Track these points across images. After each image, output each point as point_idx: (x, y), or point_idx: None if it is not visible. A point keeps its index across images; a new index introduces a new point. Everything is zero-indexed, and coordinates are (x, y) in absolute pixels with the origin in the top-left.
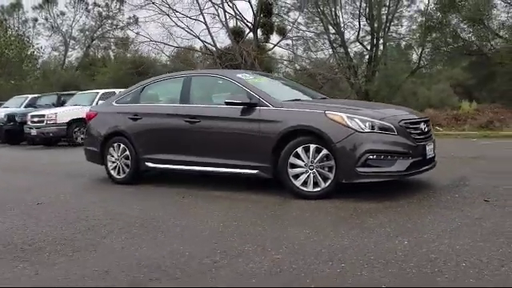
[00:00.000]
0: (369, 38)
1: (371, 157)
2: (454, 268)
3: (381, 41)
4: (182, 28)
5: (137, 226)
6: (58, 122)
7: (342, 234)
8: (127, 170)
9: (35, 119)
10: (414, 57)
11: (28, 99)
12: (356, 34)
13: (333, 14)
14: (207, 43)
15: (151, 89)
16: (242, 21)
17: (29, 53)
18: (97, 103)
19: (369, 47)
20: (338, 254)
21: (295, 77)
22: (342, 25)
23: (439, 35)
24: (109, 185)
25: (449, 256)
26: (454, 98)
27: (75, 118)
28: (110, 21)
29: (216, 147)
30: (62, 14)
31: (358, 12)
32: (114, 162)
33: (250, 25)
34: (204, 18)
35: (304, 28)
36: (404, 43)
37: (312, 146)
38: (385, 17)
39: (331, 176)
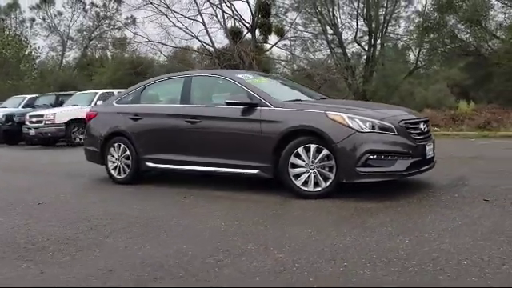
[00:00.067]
0: (366, 38)
1: (372, 157)
2: (455, 266)
3: (378, 41)
4: (180, 28)
5: (139, 226)
6: (56, 122)
7: (344, 233)
8: (128, 170)
9: (34, 119)
10: (412, 57)
11: (26, 99)
12: (354, 34)
13: (330, 14)
14: (205, 43)
15: (152, 89)
16: (241, 21)
17: (26, 53)
18: (95, 103)
19: (366, 48)
20: (340, 253)
21: (293, 77)
22: (340, 25)
23: (437, 36)
24: (109, 185)
25: (450, 255)
26: (451, 99)
27: (74, 118)
28: (107, 21)
29: (217, 147)
30: (60, 13)
31: (355, 12)
32: (114, 162)
33: (248, 25)
34: (202, 19)
35: (302, 28)
36: (401, 44)
37: (313, 146)
38: (382, 17)
39: (332, 176)
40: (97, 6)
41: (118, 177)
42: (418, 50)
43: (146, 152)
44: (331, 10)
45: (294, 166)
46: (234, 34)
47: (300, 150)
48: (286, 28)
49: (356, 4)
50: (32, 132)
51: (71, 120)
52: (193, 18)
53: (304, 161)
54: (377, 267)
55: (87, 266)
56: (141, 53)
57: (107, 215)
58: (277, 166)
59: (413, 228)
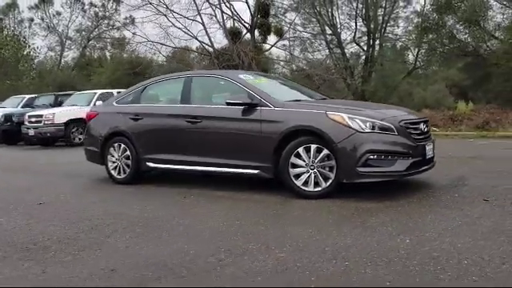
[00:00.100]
0: (365, 38)
1: (372, 157)
2: (456, 266)
3: (377, 41)
4: (179, 28)
5: (140, 226)
6: (55, 122)
7: (345, 232)
8: (128, 170)
9: (33, 119)
10: (410, 57)
11: (25, 99)
12: (352, 34)
13: (329, 14)
14: (204, 44)
15: (152, 89)
16: (240, 21)
17: (25, 53)
18: (94, 103)
19: (365, 48)
20: (341, 253)
21: (292, 77)
22: (339, 25)
23: (435, 36)
24: (109, 185)
25: (451, 254)
26: (449, 99)
27: (73, 118)
28: (106, 21)
29: (217, 147)
30: (58, 14)
31: (354, 13)
32: (114, 162)
33: (247, 25)
34: (201, 19)
35: (301, 29)
36: (400, 44)
37: (313, 146)
38: (381, 18)
39: (332, 176)
40: (95, 6)
41: (118, 177)
42: (416, 50)
43: (146, 152)
44: (330, 10)
45: (295, 165)
46: (233, 34)
47: (300, 150)
48: (285, 28)
49: (355, 4)
50: (31, 132)
51: (70, 120)
52: (192, 18)
53: (304, 161)
54: (378, 266)
55: (89, 266)
56: (140, 53)
57: (108, 215)
58: (277, 165)
59: (413, 228)
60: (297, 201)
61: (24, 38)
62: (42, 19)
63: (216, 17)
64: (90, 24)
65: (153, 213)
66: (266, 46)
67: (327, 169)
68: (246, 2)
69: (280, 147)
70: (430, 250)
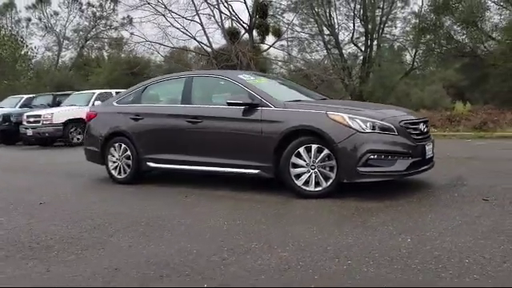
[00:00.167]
0: (363, 39)
1: (372, 157)
2: (457, 264)
3: (375, 42)
4: (178, 29)
5: (142, 225)
6: (54, 122)
7: (346, 232)
8: (128, 170)
9: (31, 119)
10: (408, 58)
11: (23, 99)
12: (350, 35)
13: (327, 15)
14: (203, 44)
15: (152, 89)
16: (238, 22)
17: (22, 53)
18: (93, 103)
19: (363, 48)
20: (343, 252)
21: (290, 78)
22: (337, 26)
23: (433, 37)
24: (109, 184)
25: (452, 253)
26: (447, 100)
27: (71, 118)
28: (104, 21)
29: (218, 147)
30: (56, 13)
31: (352, 13)
32: (114, 162)
33: (245, 26)
34: (200, 19)
35: (299, 29)
36: (398, 45)
37: (314, 146)
38: (379, 18)
39: (332, 176)
40: (93, 6)
41: (119, 177)
42: (414, 50)
43: (146, 152)
44: (328, 10)
45: (295, 165)
46: (232, 35)
47: (301, 149)
48: (283, 29)
49: (352, 5)
50: (29, 132)
51: (69, 120)
52: (190, 18)
53: (305, 161)
54: (380, 265)
55: (93, 265)
56: (138, 53)
57: (109, 215)
58: (278, 165)
59: (414, 227)
60: (298, 200)
61: (21, 37)
62: (40, 19)
63: (214, 17)
64: (87, 24)
65: (154, 212)
66: (264, 47)
67: (328, 169)
68: (245, 3)
69: (280, 147)
70: (431, 248)
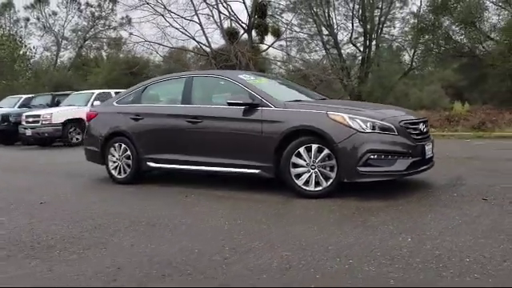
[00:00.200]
0: (362, 39)
1: (372, 156)
2: (458, 263)
3: (373, 42)
4: (177, 29)
5: (143, 225)
6: (53, 122)
7: (347, 231)
8: (128, 170)
9: (30, 119)
10: (407, 58)
11: (22, 99)
12: (349, 35)
13: (326, 15)
14: (202, 44)
15: (153, 89)
16: (237, 22)
17: (21, 53)
18: (92, 103)
19: (362, 48)
20: (344, 251)
21: (289, 78)
22: (335, 26)
23: (431, 37)
24: (109, 184)
25: (452, 252)
26: (445, 100)
27: (71, 118)
28: (102, 21)
29: (218, 147)
30: (54, 13)
31: (351, 13)
32: (114, 162)
33: (244, 26)
34: (199, 19)
35: (298, 29)
36: (396, 45)
37: (314, 146)
38: (377, 18)
39: (333, 175)
40: (92, 6)
41: (119, 177)
42: (412, 51)
43: (147, 152)
44: (327, 10)
45: (296, 165)
46: (231, 35)
47: (301, 149)
48: (282, 29)
49: (351, 5)
50: (28, 132)
51: (68, 120)
52: (189, 18)
53: (305, 160)
54: (381, 264)
55: (95, 264)
56: (136, 53)
57: (110, 214)
58: (278, 165)
59: (414, 226)
60: (298, 200)
61: (20, 37)
62: (38, 19)
63: (213, 17)
64: (86, 24)
65: (155, 212)
66: (263, 47)
67: (328, 168)
68: (244, 3)
69: (281, 147)
70: (432, 248)
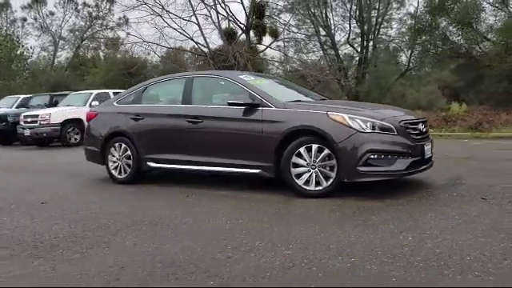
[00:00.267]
0: (359, 40)
1: (372, 156)
2: (459, 262)
3: (371, 43)
4: (175, 29)
5: (145, 224)
6: (51, 122)
7: (348, 230)
8: (128, 170)
9: (28, 119)
10: (404, 59)
11: (20, 99)
12: (346, 36)
13: (323, 16)
14: (200, 44)
15: (153, 89)
16: (235, 22)
17: (18, 53)
18: (90, 104)
19: (359, 49)
20: (346, 250)
21: (286, 78)
22: (333, 27)
23: (428, 38)
24: (109, 184)
25: (453, 251)
26: (442, 100)
27: (69, 118)
28: (100, 21)
29: (218, 147)
30: (52, 13)
31: (348, 14)
32: (115, 162)
33: (242, 26)
34: (197, 19)
35: (295, 30)
36: (393, 45)
37: (314, 146)
38: (375, 19)
39: (333, 175)
40: (89, 6)
41: (119, 176)
42: (409, 51)
43: (147, 152)
44: (324, 11)
45: (296, 165)
46: (229, 35)
47: (302, 149)
48: (280, 29)
49: (349, 6)
50: (27, 132)
51: (66, 120)
52: (187, 18)
53: (305, 160)
54: (383, 263)
55: (98, 263)
56: (134, 53)
57: (111, 214)
58: (278, 165)
59: (414, 226)
60: (298, 200)
61: (17, 37)
62: (35, 19)
63: (211, 17)
64: (83, 24)
65: (156, 212)
66: (261, 47)
67: (328, 168)
68: (242, 3)
69: (281, 147)
70: (433, 246)
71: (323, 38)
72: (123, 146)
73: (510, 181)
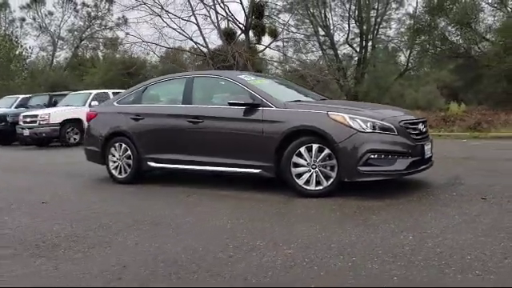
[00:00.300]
0: (358, 40)
1: (373, 156)
2: (459, 261)
3: (370, 43)
4: (174, 29)
5: (146, 224)
6: (51, 122)
7: (348, 230)
8: (129, 170)
9: (28, 119)
10: (402, 59)
11: (19, 99)
12: (345, 36)
13: (322, 16)
14: (199, 44)
15: (153, 89)
16: (234, 22)
17: (17, 53)
18: (90, 104)
19: (358, 49)
20: (347, 249)
21: (286, 78)
22: (332, 27)
23: (427, 38)
24: (110, 184)
25: (453, 250)
26: (440, 100)
27: (68, 118)
28: (98, 21)
29: (219, 147)
30: (50, 13)
31: (347, 14)
32: (115, 162)
33: (241, 26)
34: (196, 19)
35: (294, 30)
36: (392, 46)
37: (315, 146)
38: (374, 19)
39: (333, 175)
40: (88, 6)
41: (119, 176)
42: (408, 51)
43: (147, 152)
44: (323, 11)
45: (296, 165)
46: (228, 35)
47: (302, 149)
48: (279, 29)
49: (348, 6)
50: (26, 132)
51: (66, 120)
52: (186, 18)
53: (306, 160)
54: (384, 262)
55: (100, 263)
56: (133, 53)
57: (112, 214)
58: (279, 165)
59: (415, 225)
60: (299, 199)
61: (16, 37)
62: (34, 19)
63: (210, 17)
64: (82, 24)
65: (157, 211)
66: (260, 47)
67: (328, 168)
68: (241, 3)
69: (281, 147)
70: (434, 246)
71: (322, 38)
72: (123, 145)
73: (510, 180)
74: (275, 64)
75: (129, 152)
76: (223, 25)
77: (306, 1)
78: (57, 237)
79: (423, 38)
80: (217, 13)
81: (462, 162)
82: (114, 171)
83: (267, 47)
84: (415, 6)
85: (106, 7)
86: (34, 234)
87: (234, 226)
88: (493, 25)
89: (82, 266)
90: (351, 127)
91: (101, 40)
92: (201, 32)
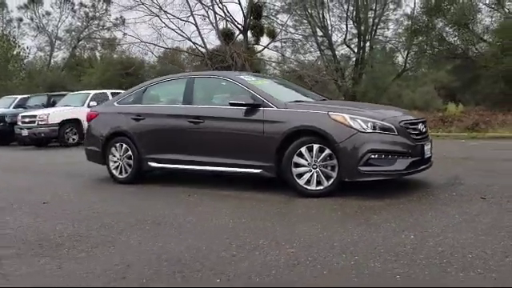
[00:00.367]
0: (356, 40)
1: (373, 156)
2: (461, 259)
3: (367, 44)
4: (173, 29)
5: (148, 223)
6: (49, 122)
7: (350, 229)
8: (129, 170)
9: (26, 120)
10: (400, 59)
11: (17, 100)
12: (343, 36)
13: (320, 16)
14: (198, 45)
15: (154, 90)
16: (233, 22)
17: (14, 53)
18: (88, 104)
19: (356, 50)
20: (349, 248)
21: (284, 78)
22: (330, 27)
23: (425, 38)
24: (110, 184)
25: (455, 249)
26: (438, 101)
27: (67, 118)
28: (96, 21)
29: (219, 147)
30: (48, 14)
31: (345, 15)
32: (115, 162)
33: (240, 27)
34: (194, 20)
35: (292, 30)
36: (390, 46)
37: (315, 146)
38: (371, 20)
39: (334, 175)
40: (86, 7)
41: (120, 176)
42: (406, 52)
43: (148, 152)
44: (321, 12)
45: (297, 165)
46: (226, 36)
47: (303, 149)
48: (277, 30)
49: (346, 7)
50: (25, 132)
51: (65, 120)
52: (185, 19)
53: (307, 160)
54: (386, 260)
55: (104, 262)
56: (131, 53)
57: (114, 213)
58: (280, 165)
59: (415, 224)
60: (300, 199)
61: (13, 37)
62: (32, 19)
63: (209, 18)
64: (80, 24)
65: (159, 211)
66: (259, 47)
67: (329, 168)
68: (239, 4)
69: (282, 147)
70: (435, 245)
71: (320, 39)
72: (124, 146)
73: (508, 180)
74: (273, 64)
75: (129, 152)
76: (221, 25)
77: (304, 1)
78: (60, 236)
79: (421, 38)
80: (215, 13)
81: (461, 162)
82: (114, 171)
83: (265, 47)
84: (413, 6)
85: (104, 7)
86: (37, 234)
87: (235, 225)
88: (490, 26)
89: (85, 265)
90: (352, 127)
91: (98, 40)
92: (199, 32)
